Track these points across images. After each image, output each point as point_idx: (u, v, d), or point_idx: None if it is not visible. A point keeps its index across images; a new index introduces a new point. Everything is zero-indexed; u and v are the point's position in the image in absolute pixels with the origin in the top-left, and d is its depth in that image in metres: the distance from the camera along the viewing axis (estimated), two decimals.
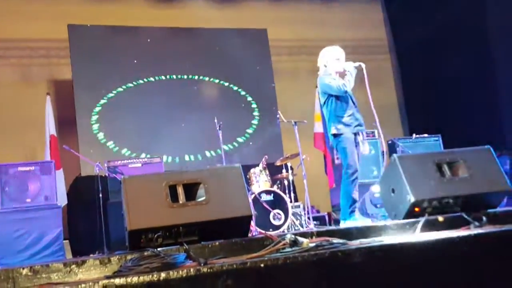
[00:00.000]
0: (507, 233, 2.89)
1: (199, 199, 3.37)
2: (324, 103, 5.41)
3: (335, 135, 5.30)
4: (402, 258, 2.72)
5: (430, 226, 3.38)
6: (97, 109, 7.95)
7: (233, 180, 3.50)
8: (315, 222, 6.82)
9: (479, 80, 8.29)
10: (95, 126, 7.89)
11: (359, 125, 5.30)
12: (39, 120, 7.20)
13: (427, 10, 9.09)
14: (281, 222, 6.46)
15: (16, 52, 8.01)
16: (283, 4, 9.52)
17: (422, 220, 3.44)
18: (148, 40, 8.48)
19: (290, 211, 6.55)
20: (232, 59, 8.77)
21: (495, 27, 7.83)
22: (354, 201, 5.18)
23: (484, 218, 3.37)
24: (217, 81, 8.75)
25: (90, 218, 6.58)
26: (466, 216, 3.42)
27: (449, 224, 3.41)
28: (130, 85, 8.25)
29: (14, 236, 5.70)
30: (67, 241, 6.64)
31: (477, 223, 3.31)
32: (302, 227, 6.60)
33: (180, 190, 3.33)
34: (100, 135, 7.88)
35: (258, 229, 6.17)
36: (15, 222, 5.74)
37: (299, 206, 7.02)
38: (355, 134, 5.28)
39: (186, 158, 8.17)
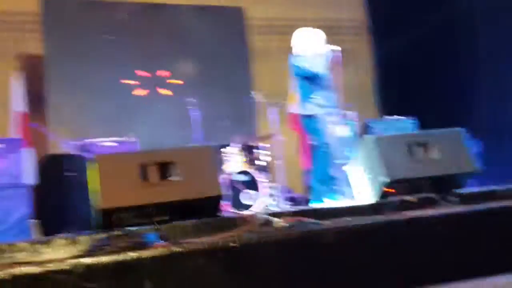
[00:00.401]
0: (477, 212, 2.94)
1: (171, 179, 3.33)
2: (298, 84, 5.40)
3: (307, 116, 5.31)
4: (374, 238, 2.74)
5: (402, 206, 3.42)
6: (69, 86, 7.77)
7: (205, 160, 3.47)
8: (289, 202, 6.83)
9: (458, 64, 8.34)
10: (66, 104, 7.71)
11: (331, 106, 5.28)
12: (7, 96, 7.01)
13: None
14: (255, 202, 6.45)
15: None
16: None
17: (393, 200, 3.47)
18: (126, 16, 8.28)
19: (265, 191, 6.54)
20: (207, 37, 8.65)
21: (475, 9, 7.86)
22: (331, 179, 5.20)
23: (454, 198, 3.42)
24: (192, 58, 8.62)
25: (60, 197, 6.46)
26: (437, 197, 3.46)
27: (421, 204, 3.45)
28: (104, 63, 8.08)
29: None
30: (35, 221, 6.51)
31: (447, 203, 3.36)
32: (276, 208, 6.60)
33: (152, 170, 3.29)
34: (71, 113, 7.71)
35: (232, 209, 6.16)
36: None
37: (273, 187, 7.02)
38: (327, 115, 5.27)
39: (161, 137, 8.06)
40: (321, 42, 5.39)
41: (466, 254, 2.72)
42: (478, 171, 3.81)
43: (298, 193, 7.84)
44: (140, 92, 8.19)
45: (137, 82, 8.18)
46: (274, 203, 6.69)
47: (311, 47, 5.36)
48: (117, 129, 7.60)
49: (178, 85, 8.43)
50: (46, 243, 2.82)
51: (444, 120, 8.00)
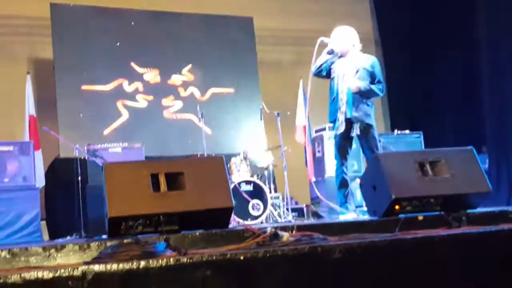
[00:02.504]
0: (486, 234, 2.93)
1: (181, 189, 3.36)
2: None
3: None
4: (381, 256, 2.74)
5: (409, 224, 3.42)
6: (78, 91, 7.83)
7: (216, 171, 3.50)
8: (293, 213, 6.85)
9: (463, 78, 8.36)
10: (76, 108, 7.77)
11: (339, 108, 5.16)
12: (18, 99, 7.07)
13: (415, 5, 9.11)
14: (260, 212, 6.48)
15: None
16: None
17: (401, 218, 3.47)
18: (132, 23, 8.36)
19: (269, 202, 6.57)
20: (216, 46, 8.71)
21: (483, 27, 7.88)
22: (343, 193, 5.19)
23: (463, 219, 3.41)
24: (200, 67, 8.66)
25: (68, 200, 6.52)
26: (446, 216, 3.46)
27: (429, 224, 3.45)
28: (112, 68, 8.14)
29: None
30: (44, 222, 6.57)
31: (456, 223, 3.35)
32: (281, 218, 6.62)
33: (162, 179, 3.32)
34: (81, 118, 7.77)
35: (237, 218, 6.18)
36: None
37: (278, 197, 7.04)
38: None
39: (167, 145, 8.10)
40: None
41: (474, 277, 2.72)
42: (491, 191, 3.79)
43: (302, 204, 7.86)
44: (146, 98, 8.23)
45: (144, 89, 8.23)
46: (279, 213, 6.72)
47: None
48: (125, 135, 7.66)
49: (185, 93, 8.47)
50: (58, 248, 2.85)
51: (450, 135, 8.08)
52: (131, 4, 8.40)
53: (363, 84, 5.11)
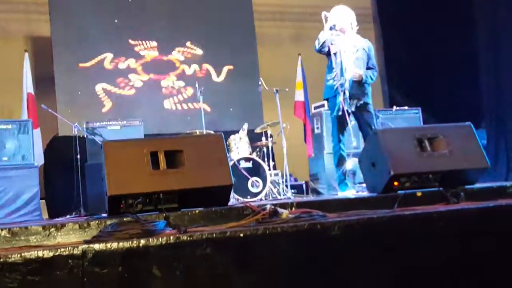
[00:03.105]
0: (484, 209, 2.95)
1: (180, 167, 3.36)
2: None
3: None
4: (380, 232, 2.76)
5: (408, 200, 3.43)
6: (76, 68, 7.80)
7: (215, 149, 3.50)
8: (292, 190, 6.87)
9: (461, 54, 8.32)
10: (74, 86, 7.74)
11: (341, 85, 5.19)
12: (16, 77, 7.02)
13: None
14: (259, 189, 6.49)
15: None
16: None
17: (400, 194, 3.48)
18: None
19: (269, 179, 6.58)
20: (214, 22, 8.64)
21: (481, 3, 7.83)
22: (342, 170, 5.22)
23: (461, 194, 3.42)
24: (198, 44, 8.62)
25: (67, 178, 6.52)
26: (444, 192, 3.47)
27: (427, 200, 3.46)
28: (110, 45, 8.09)
29: None
30: (43, 201, 6.58)
31: (454, 199, 3.37)
32: (280, 195, 6.65)
33: (161, 157, 3.32)
34: (79, 95, 7.75)
35: (236, 196, 6.20)
36: None
37: (277, 174, 7.06)
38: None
39: (167, 122, 8.10)
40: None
41: (472, 252, 2.74)
42: (489, 167, 3.80)
43: (302, 181, 7.88)
44: (146, 76, 8.20)
45: (142, 66, 8.19)
46: (278, 190, 6.74)
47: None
48: (123, 112, 7.65)
49: (184, 70, 8.43)
50: (58, 227, 2.87)
51: (449, 111, 8.07)
52: None
53: (365, 73, 5.25)
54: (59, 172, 7.08)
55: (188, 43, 8.52)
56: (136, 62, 8.18)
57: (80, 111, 7.50)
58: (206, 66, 8.60)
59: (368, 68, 5.33)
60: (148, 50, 8.29)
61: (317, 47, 5.26)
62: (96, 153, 6.16)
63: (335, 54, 5.25)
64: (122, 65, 8.11)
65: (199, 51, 8.59)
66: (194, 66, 8.52)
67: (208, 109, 8.07)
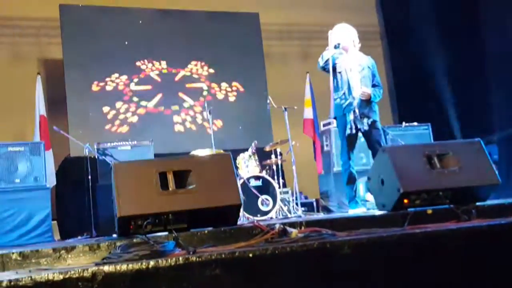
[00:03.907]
0: (496, 227, 2.91)
1: (189, 187, 3.37)
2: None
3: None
4: (390, 250, 2.74)
5: (418, 218, 3.41)
6: (87, 90, 7.89)
7: (223, 169, 3.50)
8: (303, 208, 6.84)
9: (469, 70, 8.31)
10: (86, 107, 7.83)
11: (350, 104, 5.20)
12: (29, 100, 7.11)
13: None
14: (269, 207, 6.48)
15: (6, 30, 7.89)
16: None
17: (410, 212, 3.46)
18: (140, 21, 8.40)
19: (279, 197, 6.56)
20: (223, 42, 8.73)
21: (488, 18, 7.83)
22: (352, 188, 5.20)
23: (473, 211, 3.39)
24: (207, 64, 8.70)
25: (79, 199, 6.55)
26: (455, 209, 3.44)
27: (438, 217, 3.43)
28: (121, 67, 8.18)
29: (3, 216, 5.65)
30: (55, 222, 6.61)
31: (466, 217, 3.33)
32: (290, 213, 6.62)
33: (170, 178, 3.33)
34: (90, 116, 7.83)
35: (246, 214, 6.19)
36: (4, 202, 5.69)
37: (287, 192, 7.04)
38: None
39: (177, 141, 8.14)
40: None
41: (484, 270, 2.71)
42: (500, 184, 3.76)
43: (312, 198, 7.86)
44: (156, 96, 8.27)
45: (152, 86, 8.27)
46: (288, 208, 6.72)
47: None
48: (134, 133, 7.71)
49: (194, 90, 8.49)
50: (68, 249, 2.88)
51: (458, 127, 8.05)
52: (138, 3, 8.43)
53: (372, 91, 5.25)
54: (70, 193, 7.12)
55: (197, 63, 8.60)
56: (146, 83, 8.26)
57: (92, 132, 7.57)
58: (215, 85, 8.67)
59: (373, 85, 5.33)
60: (158, 70, 8.38)
61: (321, 64, 5.29)
62: (107, 173, 6.19)
63: (340, 72, 5.27)
64: (132, 86, 8.19)
65: (208, 71, 8.66)
66: (203, 86, 8.58)
67: (217, 128, 8.11)
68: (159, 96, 8.30)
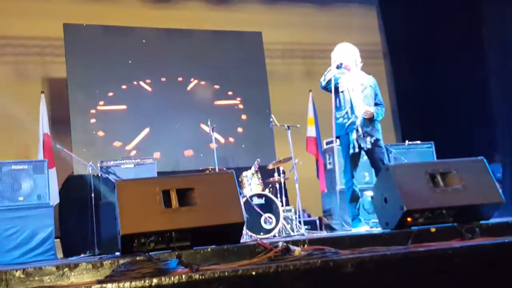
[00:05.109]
0: (500, 245, 2.90)
1: (192, 205, 3.37)
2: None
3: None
4: (393, 269, 2.73)
5: (422, 237, 3.40)
6: (92, 109, 7.94)
7: (226, 187, 3.51)
8: (306, 226, 6.83)
9: (472, 88, 8.34)
10: (89, 126, 7.87)
11: (353, 123, 5.21)
12: (32, 118, 7.16)
13: (423, 17, 9.13)
14: (272, 226, 6.47)
15: (10, 49, 7.97)
16: (278, 7, 9.54)
17: (414, 230, 3.45)
18: (143, 40, 8.48)
19: (282, 215, 6.56)
20: (226, 61, 8.79)
21: (492, 37, 7.88)
22: (355, 206, 5.20)
23: (476, 230, 3.38)
24: (211, 83, 8.75)
25: (82, 217, 6.56)
26: (459, 228, 3.43)
27: (442, 236, 3.42)
28: (124, 86, 8.24)
29: (6, 234, 5.65)
30: (58, 239, 6.61)
31: (469, 235, 3.33)
32: (293, 231, 6.61)
33: (173, 196, 3.34)
34: (94, 135, 7.87)
35: (249, 233, 6.18)
36: (7, 220, 5.69)
37: (290, 210, 7.04)
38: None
39: (179, 158, 8.16)
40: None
41: None
42: (503, 202, 3.75)
43: (315, 216, 7.84)
44: (159, 114, 8.30)
45: (156, 104, 8.31)
46: (291, 226, 6.71)
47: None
48: (137, 150, 7.74)
49: (197, 108, 8.53)
50: (71, 267, 2.88)
51: (462, 145, 8.04)
52: (142, 22, 8.51)
53: (375, 110, 5.27)
54: (74, 211, 7.12)
55: (200, 81, 8.64)
56: (149, 101, 8.30)
57: (95, 150, 7.60)
58: (218, 103, 8.70)
59: (375, 104, 5.36)
60: (161, 88, 8.42)
61: (323, 84, 5.31)
62: (110, 192, 6.23)
63: (342, 92, 5.29)
64: (135, 105, 8.22)
65: (211, 89, 8.70)
66: (206, 104, 8.61)
67: (220, 145, 8.12)
68: (162, 114, 8.32)
